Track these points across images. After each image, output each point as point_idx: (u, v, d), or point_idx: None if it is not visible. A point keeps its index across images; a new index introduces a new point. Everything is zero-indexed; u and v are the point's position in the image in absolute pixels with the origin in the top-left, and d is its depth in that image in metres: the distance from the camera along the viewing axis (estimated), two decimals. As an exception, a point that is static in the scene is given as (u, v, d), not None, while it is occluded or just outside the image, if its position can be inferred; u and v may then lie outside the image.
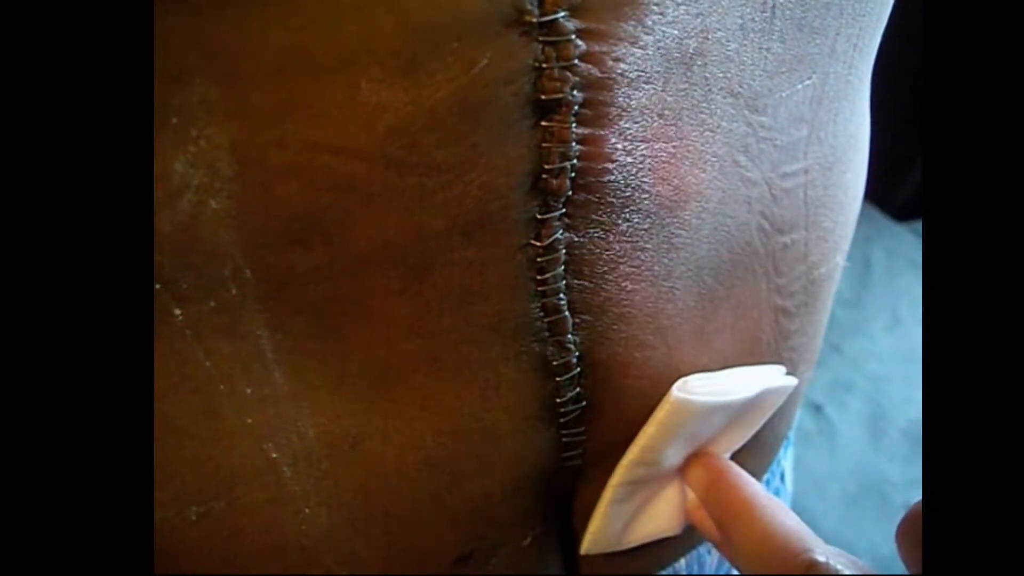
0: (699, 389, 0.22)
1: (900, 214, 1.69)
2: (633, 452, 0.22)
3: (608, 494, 0.23)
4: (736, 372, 0.24)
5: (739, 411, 0.24)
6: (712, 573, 0.32)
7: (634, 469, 0.23)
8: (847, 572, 0.18)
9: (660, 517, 0.25)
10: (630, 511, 0.25)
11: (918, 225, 1.69)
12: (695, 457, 0.24)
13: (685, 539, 0.28)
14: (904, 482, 1.23)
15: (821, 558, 0.19)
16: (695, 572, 0.31)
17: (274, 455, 0.20)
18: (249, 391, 0.19)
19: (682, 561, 0.30)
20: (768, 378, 0.24)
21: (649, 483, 0.24)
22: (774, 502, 0.22)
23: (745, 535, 0.21)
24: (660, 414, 0.22)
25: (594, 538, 0.24)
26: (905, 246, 1.65)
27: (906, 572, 0.19)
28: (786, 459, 0.37)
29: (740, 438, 0.25)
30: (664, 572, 0.30)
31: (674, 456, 0.24)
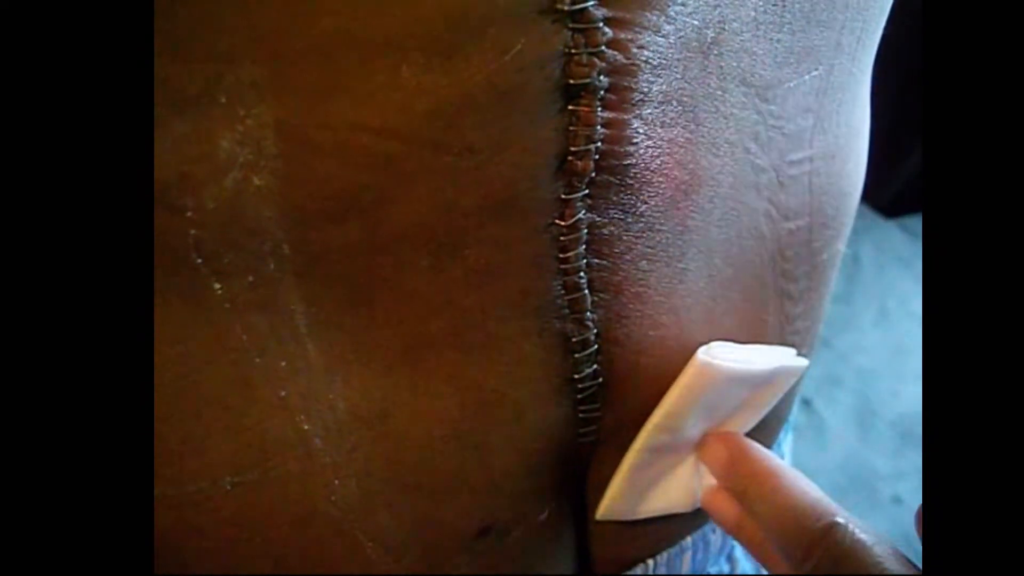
0: (723, 355, 0.22)
1: (889, 210, 1.71)
2: (657, 416, 0.23)
3: (630, 458, 0.24)
4: (754, 347, 0.25)
5: (756, 386, 0.25)
6: (717, 552, 0.33)
7: (657, 435, 0.23)
8: (862, 536, 0.19)
9: (674, 492, 0.26)
10: (647, 481, 0.25)
11: (906, 221, 1.71)
12: (712, 436, 0.25)
13: (692, 518, 0.29)
14: (892, 475, 1.25)
15: (841, 520, 0.20)
16: (700, 550, 0.32)
17: (306, 427, 0.20)
18: (283, 364, 0.19)
19: (688, 539, 0.31)
20: (782, 357, 0.25)
21: (668, 453, 0.25)
22: (796, 473, 0.22)
23: (770, 504, 0.22)
24: (685, 378, 0.22)
25: (611, 504, 0.25)
26: (893, 242, 1.67)
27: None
28: (786, 443, 0.38)
29: (752, 419, 0.26)
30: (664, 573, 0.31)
31: (694, 427, 0.24)
